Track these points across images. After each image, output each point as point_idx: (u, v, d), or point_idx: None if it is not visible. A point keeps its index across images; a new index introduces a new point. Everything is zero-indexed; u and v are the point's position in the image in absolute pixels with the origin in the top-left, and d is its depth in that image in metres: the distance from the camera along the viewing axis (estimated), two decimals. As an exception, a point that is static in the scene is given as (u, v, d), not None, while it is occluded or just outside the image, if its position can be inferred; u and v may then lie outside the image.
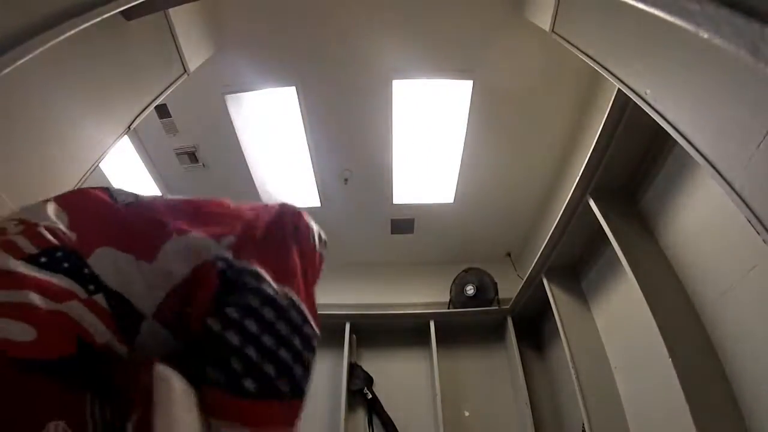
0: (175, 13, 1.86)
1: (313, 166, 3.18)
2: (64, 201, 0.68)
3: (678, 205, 1.86)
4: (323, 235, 0.85)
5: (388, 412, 3.33)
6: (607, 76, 1.43)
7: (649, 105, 1.21)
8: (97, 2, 1.20)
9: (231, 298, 0.61)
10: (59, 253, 0.58)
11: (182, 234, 0.67)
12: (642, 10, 0.97)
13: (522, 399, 3.17)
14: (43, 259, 0.56)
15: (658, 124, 1.17)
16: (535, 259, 2.94)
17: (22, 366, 0.46)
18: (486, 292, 3.68)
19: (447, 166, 3.18)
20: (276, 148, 3.09)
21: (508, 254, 4.05)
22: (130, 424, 0.48)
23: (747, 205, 0.90)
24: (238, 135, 2.97)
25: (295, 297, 0.66)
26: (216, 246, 0.66)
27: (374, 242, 3.98)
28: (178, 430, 0.48)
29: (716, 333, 1.65)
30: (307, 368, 0.62)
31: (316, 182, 3.31)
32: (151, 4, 1.55)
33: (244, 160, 3.15)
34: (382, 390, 3.45)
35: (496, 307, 3.61)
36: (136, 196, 0.75)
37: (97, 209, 0.69)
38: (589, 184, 2.21)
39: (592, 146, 2.03)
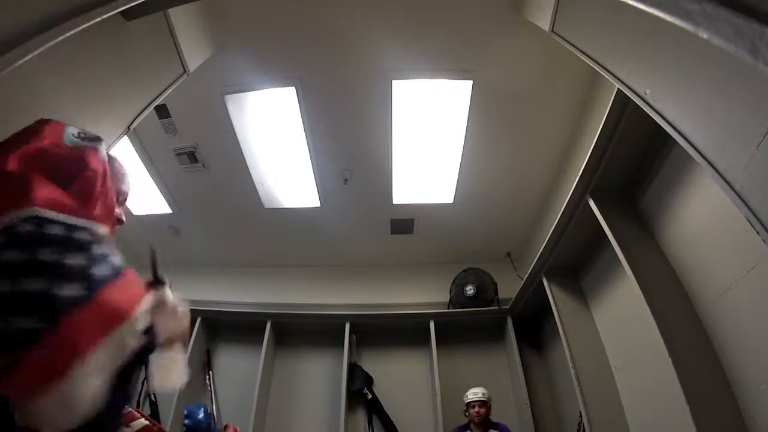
0: (175, 13, 1.85)
1: (313, 166, 3.18)
2: None
3: (677, 205, 1.86)
4: None
5: (388, 412, 3.33)
6: (606, 76, 1.43)
7: (649, 105, 1.21)
8: (97, 2, 1.20)
9: None
10: None
11: None
12: (642, 10, 0.97)
13: (522, 399, 3.17)
14: None
15: (658, 124, 1.17)
16: (535, 259, 2.94)
17: None
18: (486, 292, 3.68)
19: (447, 166, 3.18)
20: (276, 148, 3.09)
21: (508, 254, 4.05)
22: None
23: (747, 205, 0.90)
24: (238, 135, 2.97)
25: None
26: None
27: (374, 242, 3.98)
28: None
29: (716, 333, 1.65)
30: None
31: (316, 182, 3.31)
32: (151, 4, 1.55)
33: (244, 160, 3.15)
34: (382, 390, 3.45)
35: (496, 307, 3.61)
36: None
37: None
38: (589, 184, 2.21)
39: (592, 146, 2.03)
